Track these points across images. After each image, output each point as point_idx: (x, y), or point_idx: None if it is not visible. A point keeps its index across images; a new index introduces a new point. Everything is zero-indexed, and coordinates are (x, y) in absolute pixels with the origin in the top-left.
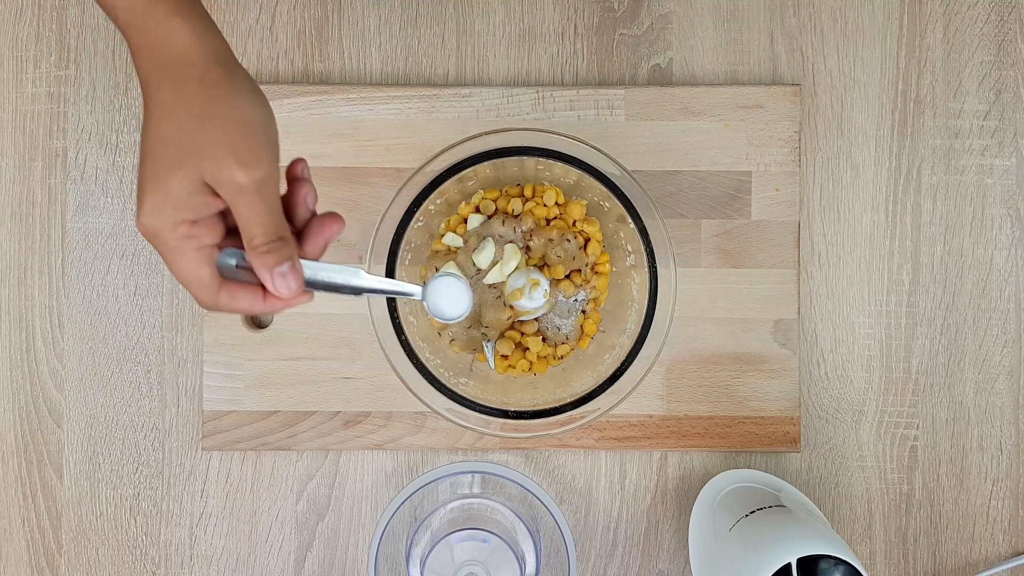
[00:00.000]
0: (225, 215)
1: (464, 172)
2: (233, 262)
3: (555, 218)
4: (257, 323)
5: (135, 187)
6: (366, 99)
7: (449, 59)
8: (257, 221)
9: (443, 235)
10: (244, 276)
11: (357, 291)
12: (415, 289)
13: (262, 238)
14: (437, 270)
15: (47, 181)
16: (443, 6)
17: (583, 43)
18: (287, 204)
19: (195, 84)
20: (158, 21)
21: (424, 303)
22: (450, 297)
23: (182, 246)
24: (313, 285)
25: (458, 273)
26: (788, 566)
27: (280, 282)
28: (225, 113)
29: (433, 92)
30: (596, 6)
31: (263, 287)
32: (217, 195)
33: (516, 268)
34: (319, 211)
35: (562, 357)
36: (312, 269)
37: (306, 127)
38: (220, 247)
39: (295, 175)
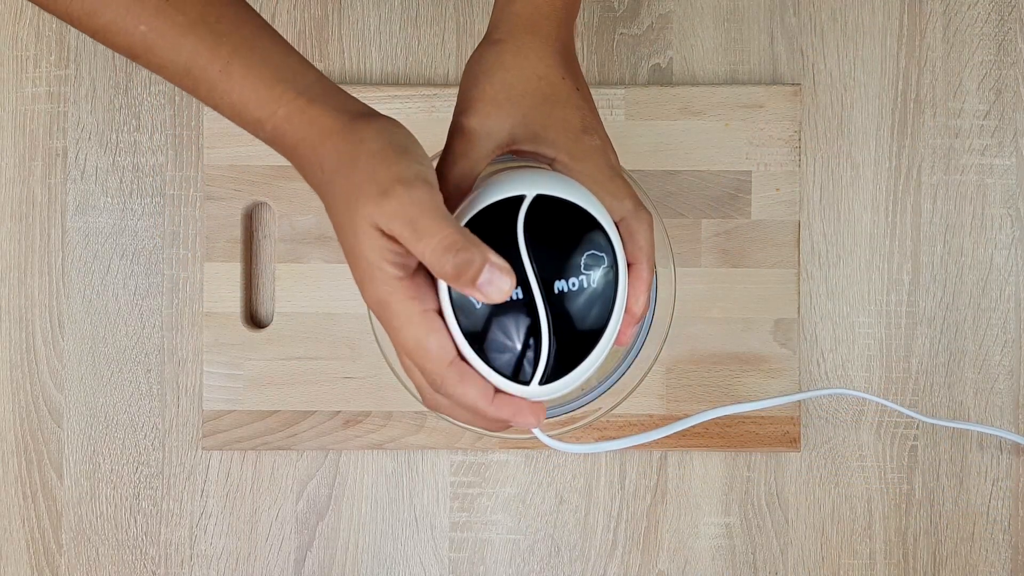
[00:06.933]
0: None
1: None
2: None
3: None
4: (257, 322)
5: (131, 187)
6: (366, 99)
7: (449, 59)
8: (427, 233)
9: None
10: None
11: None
12: None
13: (436, 245)
14: None
15: (47, 181)
16: (443, 6)
17: (583, 43)
18: None
19: (341, 140)
20: (302, 112)
21: None
22: None
23: (407, 309)
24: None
25: None
26: (522, 197)
27: (489, 288)
28: (369, 146)
29: (433, 92)
30: (596, 6)
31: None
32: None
33: None
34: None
35: None
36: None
37: None
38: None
39: None
